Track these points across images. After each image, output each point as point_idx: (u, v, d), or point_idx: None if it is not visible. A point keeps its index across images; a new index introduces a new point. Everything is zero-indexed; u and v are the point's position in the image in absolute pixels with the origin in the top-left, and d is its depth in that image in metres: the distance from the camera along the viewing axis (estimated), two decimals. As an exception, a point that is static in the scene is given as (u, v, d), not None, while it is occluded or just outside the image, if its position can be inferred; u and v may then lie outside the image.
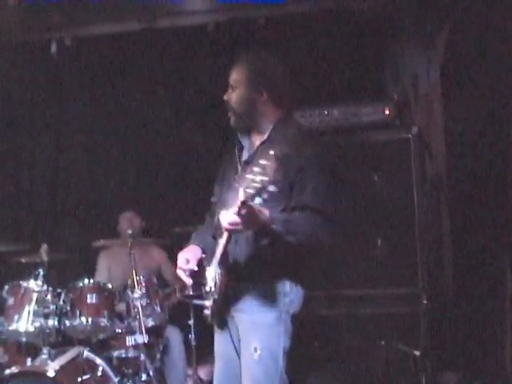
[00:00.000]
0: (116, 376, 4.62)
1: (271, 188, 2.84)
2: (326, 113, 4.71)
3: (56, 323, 4.61)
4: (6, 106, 6.22)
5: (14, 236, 5.94)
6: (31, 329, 4.54)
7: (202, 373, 5.43)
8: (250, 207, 2.92)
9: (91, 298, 4.72)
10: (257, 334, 3.24)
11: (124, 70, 6.23)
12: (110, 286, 4.89)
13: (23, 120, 6.43)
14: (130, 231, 5.07)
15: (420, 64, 5.59)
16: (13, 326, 4.53)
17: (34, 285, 4.64)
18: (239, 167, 3.38)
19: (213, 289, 3.29)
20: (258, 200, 2.88)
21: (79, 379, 4.46)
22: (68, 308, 4.68)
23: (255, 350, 3.21)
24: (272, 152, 2.81)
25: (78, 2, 5.46)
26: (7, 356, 4.80)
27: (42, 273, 4.68)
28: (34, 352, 4.63)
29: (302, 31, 5.69)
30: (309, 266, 3.43)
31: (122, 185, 6.36)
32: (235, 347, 3.34)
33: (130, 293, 4.76)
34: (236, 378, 3.34)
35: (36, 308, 4.58)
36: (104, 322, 4.69)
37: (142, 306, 4.68)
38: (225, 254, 3.20)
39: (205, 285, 3.37)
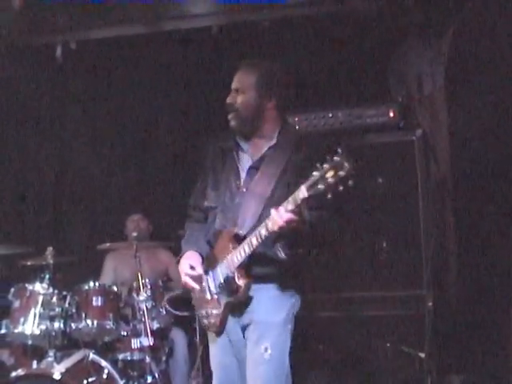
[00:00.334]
0: (121, 378, 4.63)
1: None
2: (330, 115, 4.71)
3: (62, 326, 4.63)
4: (11, 108, 6.23)
5: (19, 239, 5.94)
6: (37, 331, 4.56)
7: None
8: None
9: (97, 301, 4.74)
10: (268, 334, 3.28)
11: (128, 73, 6.24)
12: (115, 288, 4.90)
13: (28, 123, 6.44)
14: (135, 234, 5.09)
15: (424, 66, 5.59)
16: (19, 329, 4.56)
17: (39, 287, 4.66)
18: (241, 172, 3.41)
19: (220, 294, 3.32)
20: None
21: (85, 382, 4.47)
22: (74, 311, 4.70)
23: (266, 349, 3.25)
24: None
25: (83, 5, 5.47)
26: (13, 358, 4.84)
27: (47, 275, 4.71)
28: (40, 354, 4.64)
29: (305, 33, 5.69)
30: (308, 268, 3.49)
31: (128, 187, 6.37)
32: (235, 350, 3.37)
33: (135, 295, 4.77)
34: None
35: (42, 311, 4.60)
36: (109, 324, 4.70)
37: (147, 308, 4.70)
38: (251, 255, 3.22)
39: (204, 293, 3.39)
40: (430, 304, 4.35)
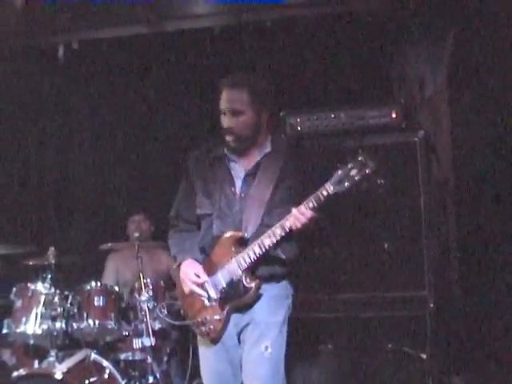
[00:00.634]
0: (123, 378, 4.64)
1: None
2: (332, 116, 4.70)
3: (63, 325, 4.64)
4: (14, 108, 6.24)
5: (21, 238, 5.95)
6: (39, 331, 4.57)
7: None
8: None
9: (98, 301, 4.75)
10: (268, 333, 3.35)
11: (131, 73, 6.24)
12: (117, 288, 4.91)
13: (30, 123, 6.45)
14: (137, 234, 5.09)
15: (427, 67, 5.60)
16: (20, 328, 4.57)
17: (41, 287, 4.67)
18: (236, 180, 3.47)
19: (223, 299, 3.36)
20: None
21: (86, 381, 4.49)
22: (75, 310, 4.71)
23: (266, 348, 3.33)
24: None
25: (85, 5, 5.48)
26: (15, 358, 4.85)
27: (49, 275, 4.72)
28: (42, 354, 4.66)
29: (308, 34, 5.69)
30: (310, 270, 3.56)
31: (130, 188, 6.37)
32: (229, 357, 3.41)
33: (137, 296, 4.78)
34: None
35: (44, 310, 4.61)
36: (111, 324, 4.71)
37: (149, 308, 4.70)
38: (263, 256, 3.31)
39: (201, 300, 3.41)
40: (432, 305, 4.34)
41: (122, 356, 4.82)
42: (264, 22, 5.52)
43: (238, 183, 3.46)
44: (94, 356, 4.63)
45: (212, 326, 3.38)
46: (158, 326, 4.85)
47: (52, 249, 4.81)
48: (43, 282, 4.69)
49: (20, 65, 5.99)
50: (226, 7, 5.56)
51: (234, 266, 3.33)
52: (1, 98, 6.03)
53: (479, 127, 5.04)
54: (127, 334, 4.84)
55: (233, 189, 3.46)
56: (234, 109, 3.39)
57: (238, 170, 3.49)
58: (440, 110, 5.40)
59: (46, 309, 4.61)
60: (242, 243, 3.36)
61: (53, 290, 4.67)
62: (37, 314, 4.59)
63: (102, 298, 4.76)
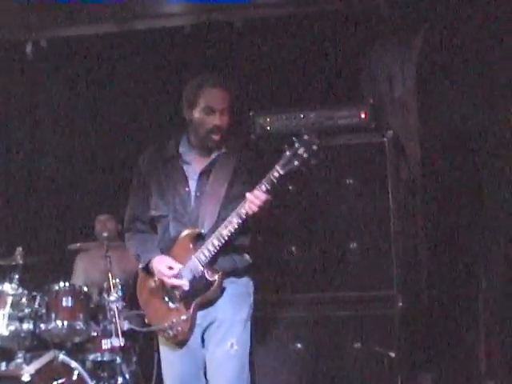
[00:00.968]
0: (92, 379, 4.60)
1: None
2: (302, 116, 4.71)
3: (31, 327, 4.60)
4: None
5: (-12, 239, 5.88)
6: (6, 332, 4.52)
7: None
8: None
9: (67, 301, 4.72)
10: (234, 330, 3.39)
11: (100, 72, 6.20)
12: (85, 289, 4.88)
13: (-4, 120, 6.38)
14: (105, 234, 5.07)
15: (395, 67, 5.63)
16: (-13, 330, 4.51)
17: (8, 288, 4.62)
18: (189, 179, 3.48)
19: (187, 298, 3.36)
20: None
21: (54, 383, 4.45)
22: (43, 311, 4.67)
23: (232, 345, 3.36)
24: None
25: (54, 3, 5.43)
26: (-18, 360, 4.78)
27: (17, 276, 4.67)
28: (9, 356, 4.60)
29: (277, 34, 5.70)
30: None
31: (98, 187, 6.32)
32: (194, 359, 3.43)
33: (106, 296, 4.75)
34: None
35: (11, 311, 4.57)
36: (80, 325, 4.69)
37: (118, 309, 4.67)
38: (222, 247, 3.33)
39: (165, 304, 3.42)
40: (400, 304, 4.38)
41: (91, 357, 4.79)
42: (233, 21, 5.53)
43: (193, 182, 3.48)
44: (62, 357, 4.60)
45: (180, 328, 3.38)
46: (127, 326, 4.82)
47: (19, 249, 4.76)
48: (10, 283, 4.65)
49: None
50: (196, 6, 5.56)
51: (195, 263, 3.34)
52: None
53: (447, 127, 5.10)
54: (96, 334, 4.81)
55: (187, 188, 3.47)
56: (223, 108, 3.44)
57: (190, 170, 3.51)
58: (409, 111, 5.45)
59: (13, 310, 4.57)
60: (199, 240, 3.37)
61: (20, 290, 4.63)
62: (4, 315, 4.54)
63: (70, 298, 4.73)
